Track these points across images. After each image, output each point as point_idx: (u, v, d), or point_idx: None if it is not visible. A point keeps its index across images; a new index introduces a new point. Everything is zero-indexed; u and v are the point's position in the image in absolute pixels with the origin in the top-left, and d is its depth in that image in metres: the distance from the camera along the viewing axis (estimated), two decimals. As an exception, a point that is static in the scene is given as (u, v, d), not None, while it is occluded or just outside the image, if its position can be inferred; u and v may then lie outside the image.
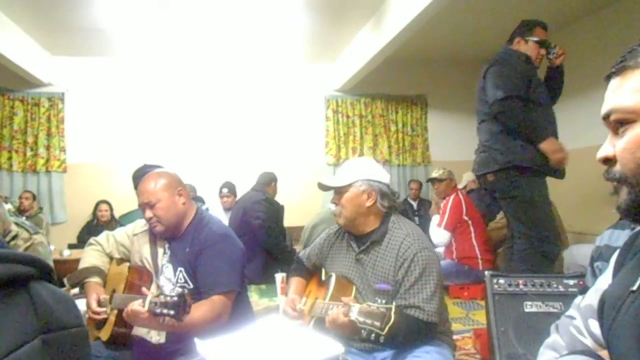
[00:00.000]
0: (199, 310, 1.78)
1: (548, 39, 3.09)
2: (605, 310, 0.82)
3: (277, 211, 4.58)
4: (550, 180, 2.97)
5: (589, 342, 0.87)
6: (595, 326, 0.86)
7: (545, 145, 2.80)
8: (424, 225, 5.64)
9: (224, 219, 4.94)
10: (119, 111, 6.39)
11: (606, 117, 0.74)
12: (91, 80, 6.37)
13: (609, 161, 0.74)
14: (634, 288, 0.74)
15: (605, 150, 0.74)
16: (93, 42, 5.75)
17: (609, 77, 0.75)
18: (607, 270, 0.91)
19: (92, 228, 5.69)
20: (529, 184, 2.88)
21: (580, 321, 0.91)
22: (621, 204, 0.73)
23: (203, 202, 5.40)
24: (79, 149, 6.30)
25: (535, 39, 3.03)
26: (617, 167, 0.72)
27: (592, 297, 0.91)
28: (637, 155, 0.69)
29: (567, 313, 0.96)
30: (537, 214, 2.88)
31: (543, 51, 3.05)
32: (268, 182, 4.76)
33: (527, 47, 3.02)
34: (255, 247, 4.20)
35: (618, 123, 0.71)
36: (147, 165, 2.99)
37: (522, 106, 2.81)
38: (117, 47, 5.94)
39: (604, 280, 0.90)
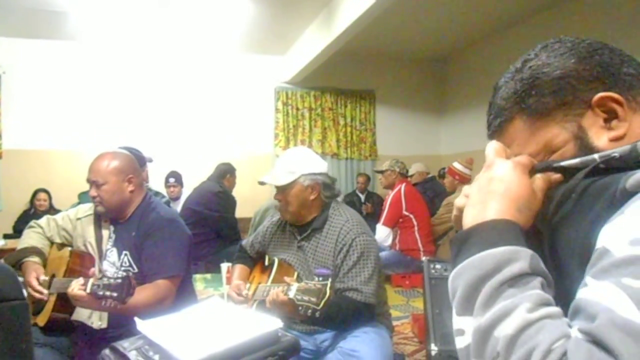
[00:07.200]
0: (142, 293, 1.78)
1: None
2: None
3: (232, 204, 4.78)
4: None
5: None
6: None
7: None
8: (372, 217, 5.78)
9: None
10: (61, 96, 6.11)
11: None
12: (32, 63, 6.05)
13: None
14: None
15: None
16: (35, 24, 5.48)
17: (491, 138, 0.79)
18: None
19: (30, 217, 5.40)
20: None
21: None
22: None
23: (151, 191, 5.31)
24: (16, 134, 5.97)
25: None
26: None
27: None
28: None
29: None
30: None
31: None
32: (223, 174, 4.90)
33: None
34: (208, 232, 4.41)
35: None
36: (127, 147, 2.90)
37: None
38: (63, 30, 5.68)
39: None
